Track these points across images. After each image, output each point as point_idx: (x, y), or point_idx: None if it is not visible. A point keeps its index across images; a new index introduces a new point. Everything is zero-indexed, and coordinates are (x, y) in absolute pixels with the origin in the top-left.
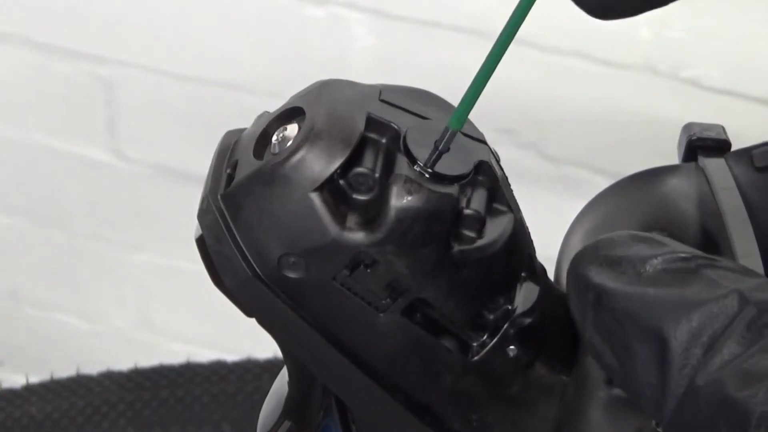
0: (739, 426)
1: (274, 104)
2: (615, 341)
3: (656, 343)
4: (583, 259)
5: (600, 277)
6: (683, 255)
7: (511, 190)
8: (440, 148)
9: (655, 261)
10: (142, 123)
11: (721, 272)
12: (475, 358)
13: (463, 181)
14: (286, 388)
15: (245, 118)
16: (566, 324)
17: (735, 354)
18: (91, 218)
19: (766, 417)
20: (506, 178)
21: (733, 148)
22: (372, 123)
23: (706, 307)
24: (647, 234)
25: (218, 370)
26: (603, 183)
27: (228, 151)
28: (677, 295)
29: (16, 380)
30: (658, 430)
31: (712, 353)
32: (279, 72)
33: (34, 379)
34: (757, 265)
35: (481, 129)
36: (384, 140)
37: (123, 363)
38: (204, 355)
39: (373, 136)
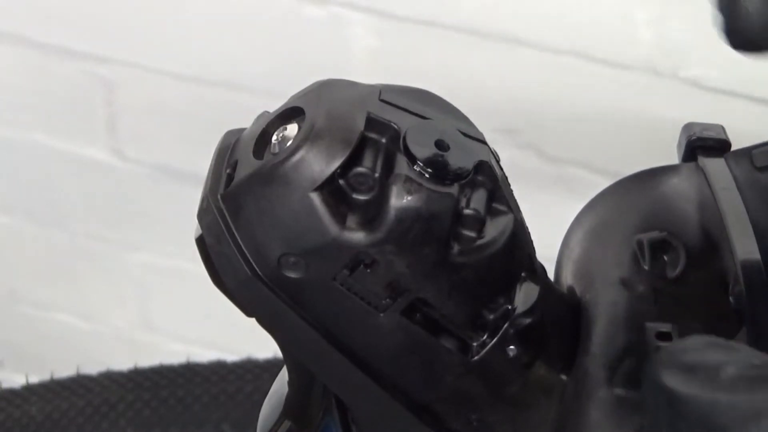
0: None
1: (274, 104)
2: None
3: None
4: (658, 362)
5: (674, 381)
6: (756, 362)
7: (511, 190)
8: None
9: (729, 368)
10: (142, 123)
11: None
12: (475, 358)
13: (463, 181)
14: (286, 388)
15: (245, 118)
16: (566, 324)
17: None
18: (91, 218)
19: None
20: (506, 178)
21: (733, 148)
22: (372, 123)
23: None
24: (722, 340)
25: (218, 370)
26: (603, 183)
27: (228, 151)
28: (748, 401)
29: (16, 380)
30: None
31: None
32: (279, 72)
33: (34, 379)
34: (757, 265)
35: (481, 129)
36: (384, 140)
37: (123, 363)
38: (204, 355)
39: (373, 135)
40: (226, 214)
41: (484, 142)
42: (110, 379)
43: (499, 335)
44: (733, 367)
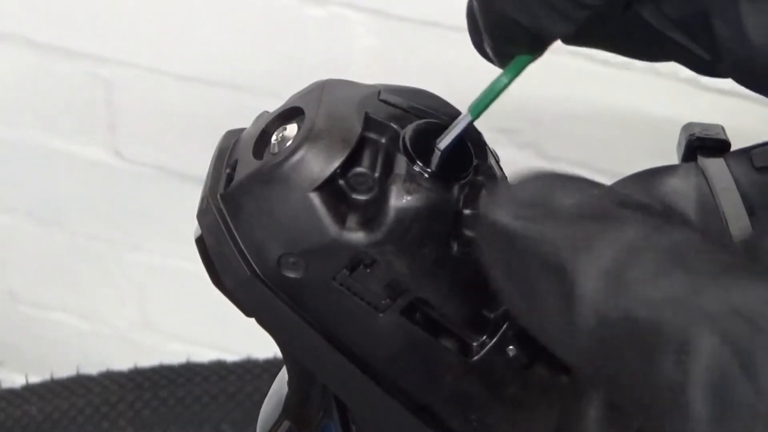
0: (650, 351)
1: (274, 104)
2: (524, 284)
3: (563, 281)
4: (492, 203)
5: (508, 219)
6: (592, 192)
7: None
8: (455, 133)
9: (563, 200)
10: (142, 123)
11: (629, 210)
12: (475, 358)
13: (463, 181)
14: (285, 388)
15: (245, 118)
16: None
17: (640, 281)
18: (91, 218)
19: (676, 337)
20: (506, 178)
21: (732, 148)
22: (371, 123)
23: (612, 240)
24: (557, 172)
25: (218, 370)
26: (603, 183)
27: (228, 151)
28: (583, 230)
29: (16, 380)
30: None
31: (619, 283)
32: (279, 72)
33: (34, 379)
34: None
35: (481, 129)
36: (383, 140)
37: (123, 363)
38: (204, 355)
39: (372, 136)
40: (226, 215)
41: (484, 142)
42: (110, 379)
43: (498, 335)
44: (569, 199)
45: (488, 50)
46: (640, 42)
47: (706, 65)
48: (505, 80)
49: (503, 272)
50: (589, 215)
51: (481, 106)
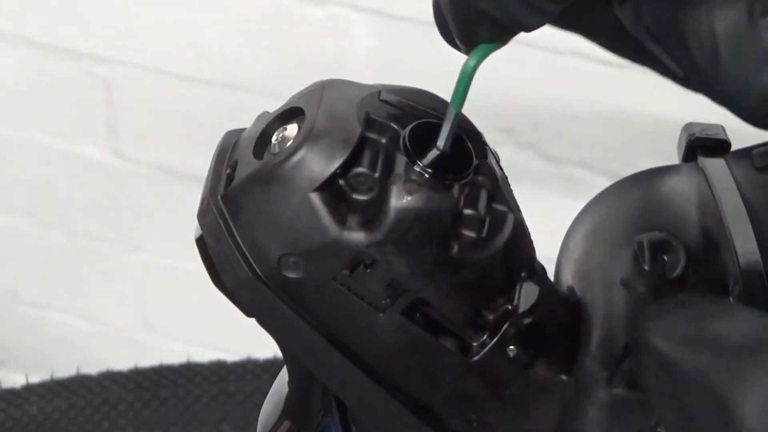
0: None
1: (274, 104)
2: (684, 410)
3: (722, 411)
4: (650, 326)
5: (666, 345)
6: (754, 321)
7: (511, 190)
8: (447, 130)
9: (723, 328)
10: (142, 123)
11: None
12: (475, 358)
13: (463, 182)
14: (286, 388)
15: (245, 118)
16: (566, 324)
17: None
18: (91, 218)
19: None
20: (506, 178)
21: (733, 148)
22: (372, 123)
23: None
24: (717, 300)
25: (218, 370)
26: (603, 183)
27: (228, 151)
28: (744, 362)
29: (16, 380)
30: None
31: None
32: (279, 72)
33: (34, 379)
34: (758, 266)
35: (481, 129)
36: (384, 140)
37: (123, 363)
38: (204, 355)
39: (372, 136)
40: (226, 215)
41: (484, 142)
42: (110, 379)
43: (499, 335)
44: (729, 327)
45: (455, 38)
46: (618, 41)
47: (680, 79)
48: (471, 64)
49: (663, 397)
50: (745, 344)
51: (459, 94)
